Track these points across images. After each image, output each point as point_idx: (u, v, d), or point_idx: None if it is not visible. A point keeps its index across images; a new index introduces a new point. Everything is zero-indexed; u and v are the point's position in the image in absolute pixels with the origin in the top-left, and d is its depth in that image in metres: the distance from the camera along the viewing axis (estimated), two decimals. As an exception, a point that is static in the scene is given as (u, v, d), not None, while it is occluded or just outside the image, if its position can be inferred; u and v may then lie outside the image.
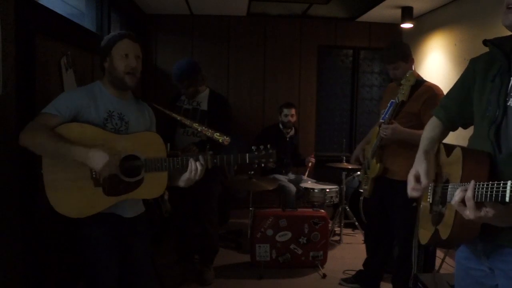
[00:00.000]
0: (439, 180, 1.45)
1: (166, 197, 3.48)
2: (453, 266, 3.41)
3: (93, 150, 1.70)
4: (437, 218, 1.39)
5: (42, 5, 2.33)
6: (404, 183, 2.73)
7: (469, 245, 1.37)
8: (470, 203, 1.08)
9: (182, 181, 1.91)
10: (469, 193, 1.08)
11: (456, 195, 1.13)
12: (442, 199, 1.39)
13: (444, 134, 1.59)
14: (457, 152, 1.30)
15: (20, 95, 2.07)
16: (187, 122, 2.28)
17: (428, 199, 1.50)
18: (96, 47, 1.99)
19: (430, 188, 1.49)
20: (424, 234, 1.50)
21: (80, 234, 1.88)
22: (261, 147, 1.94)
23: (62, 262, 2.59)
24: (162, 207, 3.54)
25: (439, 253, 3.37)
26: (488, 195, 1.02)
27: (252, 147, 1.94)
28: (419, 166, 1.45)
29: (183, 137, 3.08)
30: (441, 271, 3.18)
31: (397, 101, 2.59)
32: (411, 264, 2.84)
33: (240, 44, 5.13)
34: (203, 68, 3.26)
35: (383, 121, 2.76)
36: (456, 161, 1.28)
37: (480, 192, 1.06)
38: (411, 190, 1.44)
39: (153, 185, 1.90)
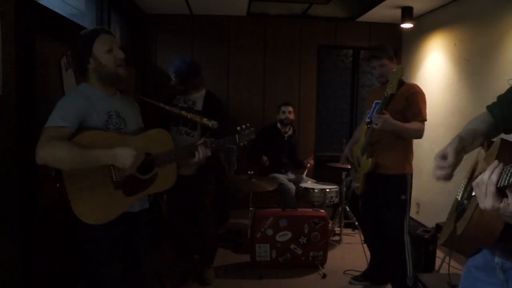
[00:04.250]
0: (474, 176, 1.27)
1: (165, 196, 3.49)
2: (453, 266, 3.41)
3: (119, 149, 1.72)
4: (460, 214, 1.25)
5: (42, 5, 2.34)
6: (396, 176, 2.84)
7: (487, 254, 1.25)
8: (491, 188, 0.91)
9: (186, 166, 2.14)
10: (493, 177, 0.91)
11: (482, 176, 0.96)
12: (469, 194, 1.23)
13: (492, 132, 1.39)
14: (496, 143, 1.15)
15: (20, 95, 2.07)
16: (175, 110, 2.37)
17: (457, 196, 1.35)
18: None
19: (462, 184, 1.36)
20: (444, 233, 1.36)
21: (83, 235, 1.88)
22: (243, 126, 2.20)
23: (62, 262, 2.59)
24: (162, 206, 3.55)
25: (439, 253, 3.37)
26: (506, 179, 0.87)
27: (237, 128, 2.19)
28: (449, 146, 1.27)
29: (176, 136, 3.08)
30: (441, 271, 3.18)
31: (386, 95, 2.68)
32: (405, 260, 2.87)
33: (240, 44, 5.13)
34: (203, 68, 3.26)
35: (369, 120, 2.88)
36: (493, 152, 1.13)
37: (503, 177, 0.89)
38: (436, 168, 1.26)
39: (166, 177, 2.01)
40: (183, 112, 2.32)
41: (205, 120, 2.29)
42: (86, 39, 1.84)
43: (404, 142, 2.90)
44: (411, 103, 2.81)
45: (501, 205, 0.90)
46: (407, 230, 2.91)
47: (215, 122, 2.30)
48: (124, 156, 1.71)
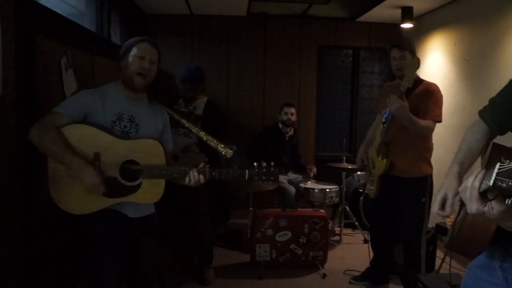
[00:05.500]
0: None
1: None
2: (453, 266, 3.41)
3: (86, 170, 1.78)
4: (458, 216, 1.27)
5: (42, 5, 2.33)
6: (411, 180, 2.77)
7: (487, 254, 1.25)
8: (474, 192, 0.95)
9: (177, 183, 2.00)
10: (475, 182, 0.95)
11: (467, 181, 0.99)
12: None
13: (488, 139, 1.38)
14: (489, 148, 1.16)
15: (20, 95, 2.07)
16: (194, 130, 2.33)
17: (459, 200, 1.33)
18: (95, 48, 2.04)
19: None
20: (448, 234, 1.37)
21: (89, 225, 1.96)
22: (264, 163, 1.90)
23: (63, 262, 2.59)
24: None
25: (439, 253, 3.37)
26: (485, 184, 0.90)
27: (254, 163, 1.90)
28: (450, 188, 1.24)
29: (175, 137, 3.09)
30: (441, 271, 3.18)
31: (402, 89, 2.55)
32: (420, 261, 2.84)
33: (240, 44, 5.13)
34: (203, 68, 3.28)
35: (384, 120, 2.76)
36: (486, 157, 1.15)
37: (484, 182, 0.92)
38: (437, 211, 1.27)
39: (151, 191, 1.94)
40: (201, 134, 2.27)
41: (220, 147, 2.18)
42: (132, 41, 1.98)
43: (421, 141, 2.77)
44: (425, 100, 2.70)
45: (485, 209, 0.93)
46: (425, 231, 2.83)
47: (231, 151, 2.14)
48: (87, 178, 1.78)
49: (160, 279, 2.88)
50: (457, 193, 1.20)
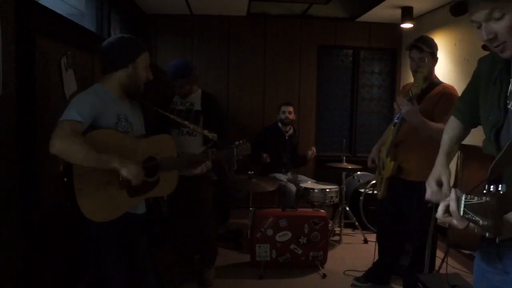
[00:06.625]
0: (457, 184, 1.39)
1: (165, 197, 3.49)
2: (453, 266, 3.41)
3: (131, 164, 1.81)
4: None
5: (42, 5, 2.33)
6: (419, 184, 2.71)
7: (485, 246, 1.30)
8: (455, 214, 1.05)
9: (189, 172, 2.26)
10: (452, 206, 1.05)
11: (439, 209, 1.10)
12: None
13: (466, 132, 1.54)
14: (460, 153, 1.27)
15: (20, 95, 2.07)
16: (179, 120, 2.51)
17: None
18: (95, 48, 2.03)
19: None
20: (448, 231, 1.44)
21: (87, 234, 1.92)
22: (240, 141, 2.36)
23: (62, 262, 2.59)
24: (163, 207, 3.55)
25: (439, 253, 3.37)
26: (461, 209, 1.02)
27: (236, 142, 2.35)
28: (443, 173, 1.35)
29: (179, 137, 3.09)
30: (441, 271, 3.18)
31: (410, 94, 2.53)
32: (423, 262, 2.83)
33: (240, 44, 5.13)
34: (203, 68, 3.29)
35: (397, 121, 2.74)
36: (460, 163, 1.24)
37: (460, 206, 1.04)
38: (431, 194, 1.36)
39: (167, 183, 2.08)
40: (186, 123, 2.50)
41: (206, 132, 2.44)
42: (136, 47, 1.99)
43: (431, 144, 2.72)
44: (441, 102, 2.62)
45: (470, 224, 1.05)
46: (431, 233, 2.81)
47: (215, 134, 2.44)
48: (131, 171, 1.80)
49: (160, 279, 2.88)
50: (449, 177, 1.33)
